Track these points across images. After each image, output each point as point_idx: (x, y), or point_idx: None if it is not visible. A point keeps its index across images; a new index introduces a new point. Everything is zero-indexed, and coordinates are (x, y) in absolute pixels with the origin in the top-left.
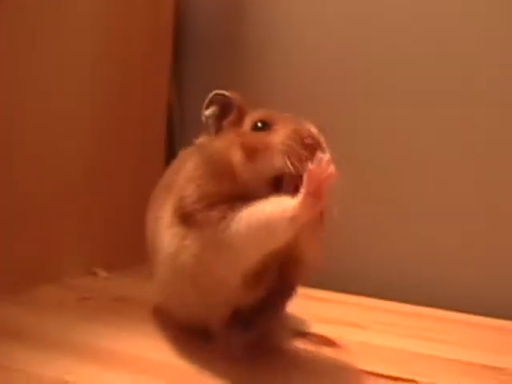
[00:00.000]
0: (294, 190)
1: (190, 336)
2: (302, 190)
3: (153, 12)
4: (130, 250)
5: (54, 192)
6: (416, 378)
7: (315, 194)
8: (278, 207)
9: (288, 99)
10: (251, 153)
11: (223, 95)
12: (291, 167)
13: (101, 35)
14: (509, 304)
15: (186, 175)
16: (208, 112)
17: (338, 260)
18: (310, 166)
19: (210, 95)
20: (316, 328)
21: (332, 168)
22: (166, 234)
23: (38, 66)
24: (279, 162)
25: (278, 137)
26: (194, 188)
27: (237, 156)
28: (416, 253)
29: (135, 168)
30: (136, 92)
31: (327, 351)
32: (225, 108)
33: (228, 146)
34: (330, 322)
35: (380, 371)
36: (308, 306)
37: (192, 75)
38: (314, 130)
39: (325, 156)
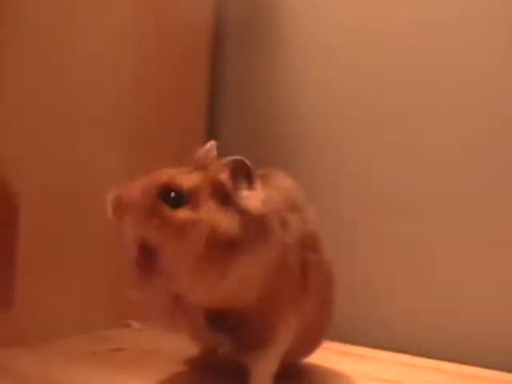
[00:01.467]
0: None
1: None
2: None
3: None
4: None
5: (88, 244)
6: None
7: None
8: None
9: (331, 101)
10: None
11: None
12: None
13: (141, 29)
14: None
15: None
16: None
17: (380, 317)
18: None
19: None
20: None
21: None
22: None
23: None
24: None
25: None
26: None
27: None
28: (459, 309)
29: None
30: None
31: None
32: None
33: None
34: (364, 378)
35: None
36: (347, 363)
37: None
38: None
39: None
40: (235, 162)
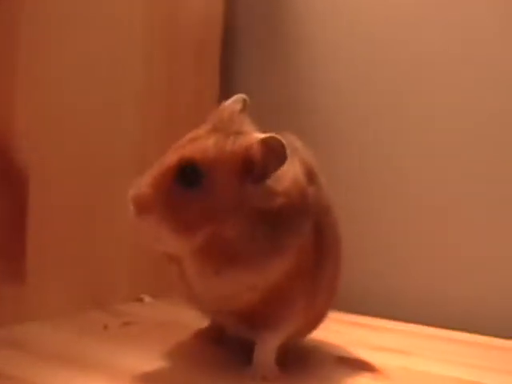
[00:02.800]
0: None
1: (231, 360)
2: None
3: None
4: None
5: (101, 219)
6: None
7: None
8: None
9: (342, 97)
10: None
11: None
12: None
13: (152, 20)
14: None
15: None
16: None
17: (383, 286)
18: None
19: None
20: (358, 354)
21: None
22: None
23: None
24: None
25: None
26: None
27: None
28: (465, 279)
29: None
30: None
31: (367, 376)
32: None
33: None
34: (373, 348)
35: None
36: (351, 332)
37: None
38: None
39: None
40: (271, 139)
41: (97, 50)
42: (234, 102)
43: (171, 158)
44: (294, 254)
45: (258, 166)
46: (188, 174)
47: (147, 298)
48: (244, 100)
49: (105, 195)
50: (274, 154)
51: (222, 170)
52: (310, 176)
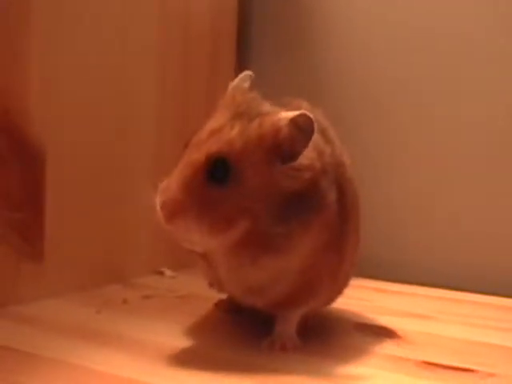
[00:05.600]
0: None
1: (251, 331)
2: None
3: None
4: None
5: (118, 194)
6: (477, 368)
7: None
8: None
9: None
10: None
11: None
12: None
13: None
14: None
15: None
16: None
17: (402, 251)
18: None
19: None
20: (378, 320)
21: None
22: None
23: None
24: None
25: None
26: None
27: None
28: (484, 242)
29: None
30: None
31: (390, 343)
32: None
33: None
34: (393, 314)
35: (440, 361)
36: (371, 298)
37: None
38: None
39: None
40: (301, 117)
41: (110, 36)
42: (241, 81)
43: (197, 155)
44: (322, 228)
45: (287, 148)
46: (218, 170)
47: (167, 272)
48: (250, 76)
49: (123, 170)
50: (304, 132)
51: (252, 159)
52: (324, 135)
